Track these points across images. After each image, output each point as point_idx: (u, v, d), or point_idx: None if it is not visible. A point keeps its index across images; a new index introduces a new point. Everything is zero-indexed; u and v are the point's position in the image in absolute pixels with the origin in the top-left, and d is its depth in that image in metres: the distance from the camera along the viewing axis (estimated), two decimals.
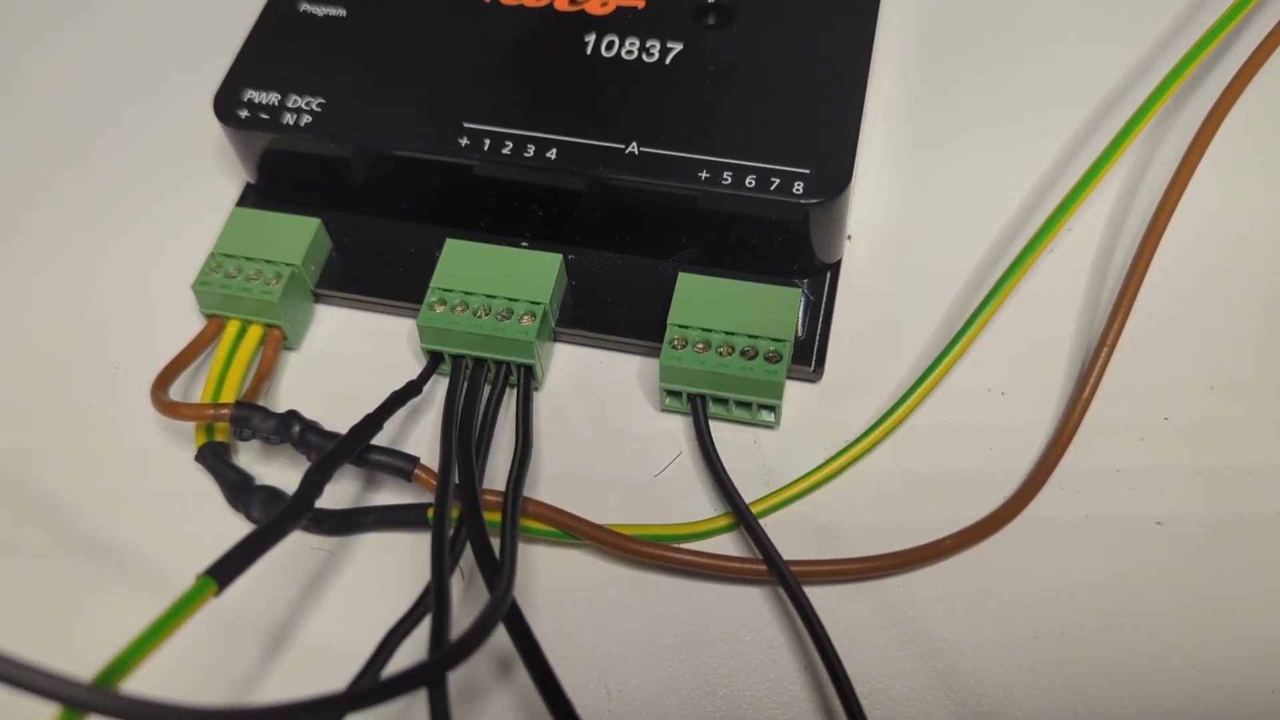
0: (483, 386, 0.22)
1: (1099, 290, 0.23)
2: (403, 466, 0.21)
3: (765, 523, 0.21)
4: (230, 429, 0.21)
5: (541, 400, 0.23)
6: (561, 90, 0.23)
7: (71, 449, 0.23)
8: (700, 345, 0.21)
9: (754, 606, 0.20)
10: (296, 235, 0.23)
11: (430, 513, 0.20)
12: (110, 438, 0.23)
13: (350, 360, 0.23)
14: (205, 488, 0.22)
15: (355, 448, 0.20)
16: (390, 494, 0.22)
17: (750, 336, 0.21)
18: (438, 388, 0.23)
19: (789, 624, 0.20)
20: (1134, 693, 0.19)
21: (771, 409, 0.22)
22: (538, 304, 0.22)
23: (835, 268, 0.23)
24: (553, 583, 0.21)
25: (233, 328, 0.23)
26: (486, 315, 0.22)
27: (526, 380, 0.22)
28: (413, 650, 0.19)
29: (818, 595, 0.20)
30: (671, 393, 0.22)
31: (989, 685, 0.19)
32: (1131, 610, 0.20)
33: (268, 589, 0.21)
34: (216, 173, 0.26)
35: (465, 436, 0.21)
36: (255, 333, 0.23)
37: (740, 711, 0.19)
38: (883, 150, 0.26)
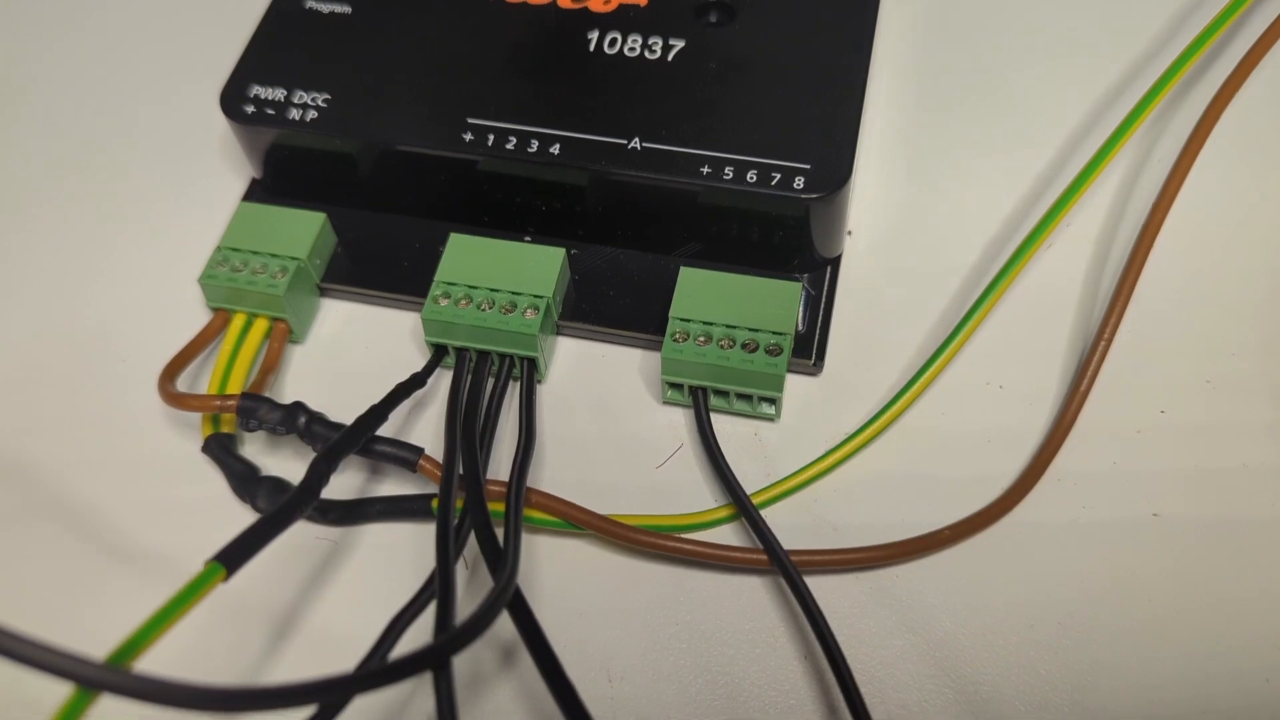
0: (486, 379, 0.22)
1: (1096, 286, 0.24)
2: (407, 457, 0.21)
3: (765, 514, 0.21)
4: (237, 420, 0.21)
5: (544, 393, 0.23)
6: (564, 86, 0.23)
7: (78, 441, 0.23)
8: (702, 338, 0.21)
9: (754, 596, 0.20)
10: (302, 229, 0.23)
11: (434, 503, 0.21)
12: (117, 430, 0.23)
13: (355, 354, 0.24)
14: (212, 478, 0.22)
15: (361, 438, 0.20)
16: (394, 485, 0.22)
17: (751, 330, 0.21)
18: (441, 381, 0.23)
19: (789, 613, 0.20)
20: (1129, 681, 0.19)
21: (772, 402, 0.22)
22: (541, 297, 0.22)
23: (835, 263, 0.24)
24: (556, 572, 0.21)
25: (239, 321, 0.23)
26: (490, 309, 0.22)
27: (530, 373, 0.22)
28: (417, 637, 0.19)
29: (817, 585, 0.20)
30: (673, 385, 0.22)
31: (986, 673, 0.19)
32: (1127, 600, 0.20)
33: (274, 578, 0.21)
34: (222, 168, 0.26)
35: (469, 427, 0.21)
36: (261, 326, 0.23)
37: (740, 699, 0.19)
38: (882, 149, 0.26)
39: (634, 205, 0.23)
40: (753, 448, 0.22)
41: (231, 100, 0.24)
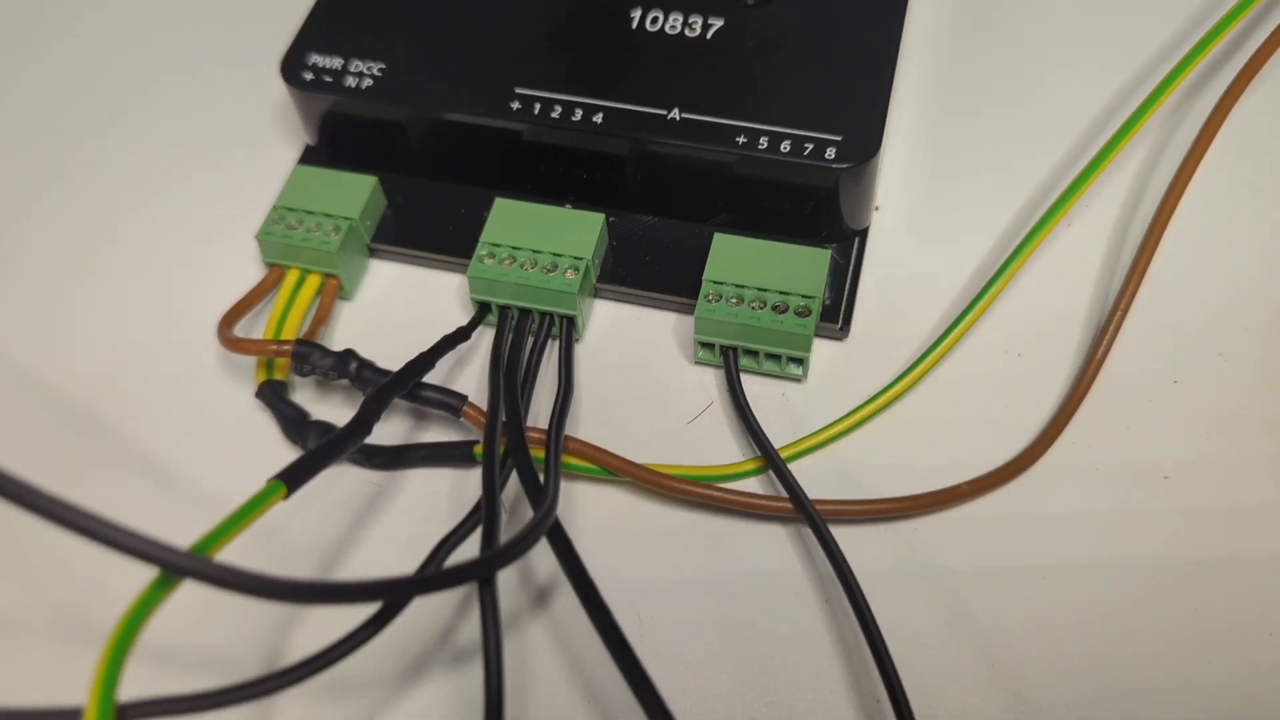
0: (526, 337, 0.23)
1: (1115, 262, 0.24)
2: (452, 403, 0.22)
3: (791, 468, 0.22)
4: (291, 364, 0.22)
5: (581, 352, 0.24)
6: (608, 60, 0.24)
7: (137, 388, 0.24)
8: (734, 300, 0.22)
9: (779, 544, 0.21)
10: (355, 191, 0.25)
11: (477, 449, 0.22)
12: (177, 376, 0.24)
13: (401, 311, 0.25)
14: (264, 424, 0.23)
15: (409, 381, 0.21)
16: (438, 433, 0.23)
17: (782, 293, 0.22)
18: (484, 339, 0.24)
19: (811, 560, 0.21)
20: (1138, 631, 0.20)
21: (800, 362, 0.23)
22: (580, 259, 0.23)
23: (863, 234, 0.25)
24: (592, 517, 0.22)
25: (292, 276, 0.24)
26: (532, 269, 0.23)
27: (568, 331, 0.23)
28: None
29: (840, 535, 0.21)
30: (705, 345, 0.23)
31: (1001, 621, 0.20)
32: (1137, 556, 0.21)
33: (324, 519, 0.22)
34: (278, 135, 0.28)
35: (511, 377, 0.22)
36: (313, 281, 0.24)
37: (764, 642, 0.20)
38: (912, 131, 0.27)
39: (672, 174, 0.24)
40: (780, 407, 0.23)
41: (292, 68, 0.25)
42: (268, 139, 0.28)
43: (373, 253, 0.25)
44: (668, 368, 0.24)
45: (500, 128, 0.24)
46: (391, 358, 0.23)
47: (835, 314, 0.23)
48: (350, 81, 0.25)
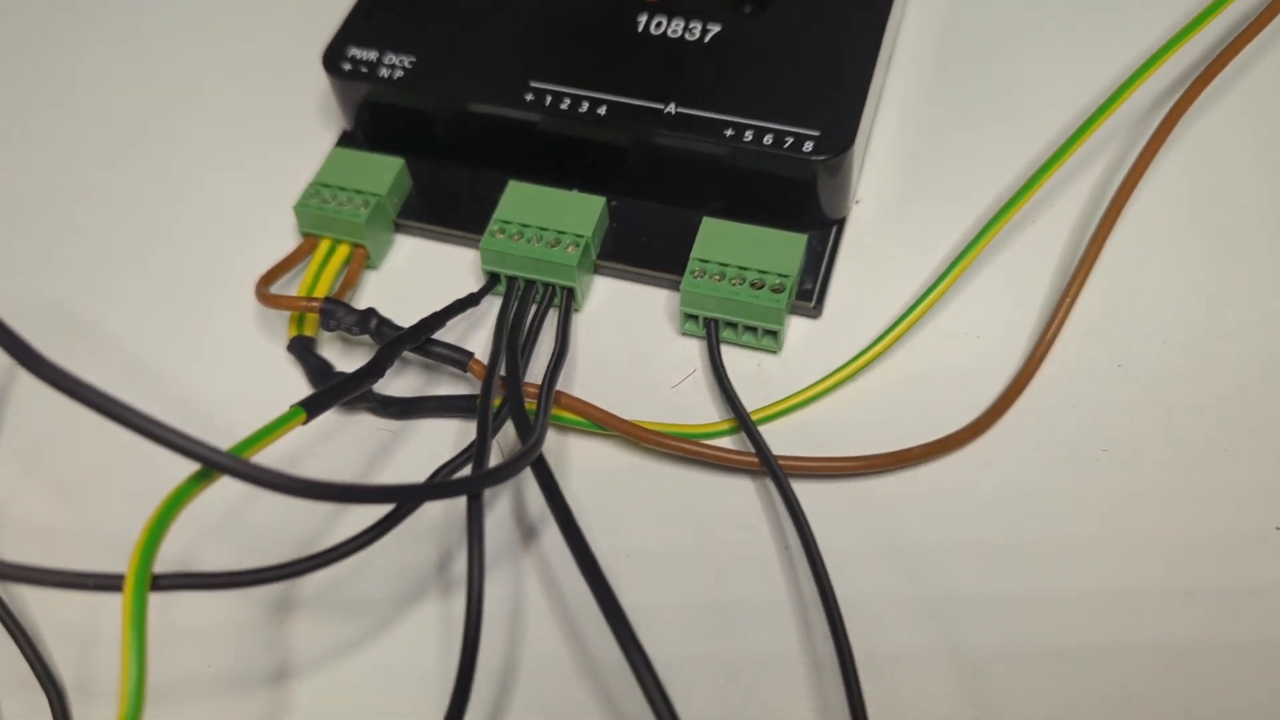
0: (530, 304, 0.26)
1: (1072, 257, 0.27)
2: (459, 358, 0.24)
3: (762, 430, 0.24)
4: (319, 320, 0.25)
5: (580, 321, 0.26)
6: (614, 59, 0.27)
7: (186, 335, 0.27)
8: (716, 276, 0.25)
9: (747, 496, 0.24)
10: (383, 171, 0.27)
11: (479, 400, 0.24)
12: (219, 328, 0.27)
13: (422, 280, 0.27)
14: (293, 375, 0.26)
15: (420, 336, 0.24)
16: (447, 388, 0.26)
17: (760, 271, 0.25)
18: (492, 308, 0.27)
19: (773, 510, 0.23)
20: (1066, 587, 0.22)
21: (774, 334, 0.25)
22: (581, 237, 0.26)
23: (841, 224, 0.27)
24: (580, 467, 0.24)
25: (325, 245, 0.27)
26: (538, 243, 0.26)
27: (568, 301, 0.26)
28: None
29: (802, 490, 0.23)
30: (690, 316, 0.25)
31: (942, 572, 0.22)
32: (1075, 522, 0.23)
33: (344, 460, 0.25)
34: (320, 120, 0.31)
35: (514, 337, 0.24)
36: (343, 251, 0.27)
37: (726, 579, 0.23)
38: (898, 130, 0.29)
39: (667, 162, 0.26)
40: (755, 375, 0.25)
41: (332, 59, 0.28)
42: (311, 123, 0.31)
43: (398, 228, 0.28)
44: (657, 338, 0.26)
45: (515, 117, 0.27)
46: (411, 320, 0.25)
47: (810, 294, 0.26)
48: (384, 73, 0.27)
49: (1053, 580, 0.22)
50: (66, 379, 0.15)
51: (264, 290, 0.25)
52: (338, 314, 0.25)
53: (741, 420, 0.24)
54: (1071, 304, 0.25)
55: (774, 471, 0.23)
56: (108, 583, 0.17)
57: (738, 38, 0.27)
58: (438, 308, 0.25)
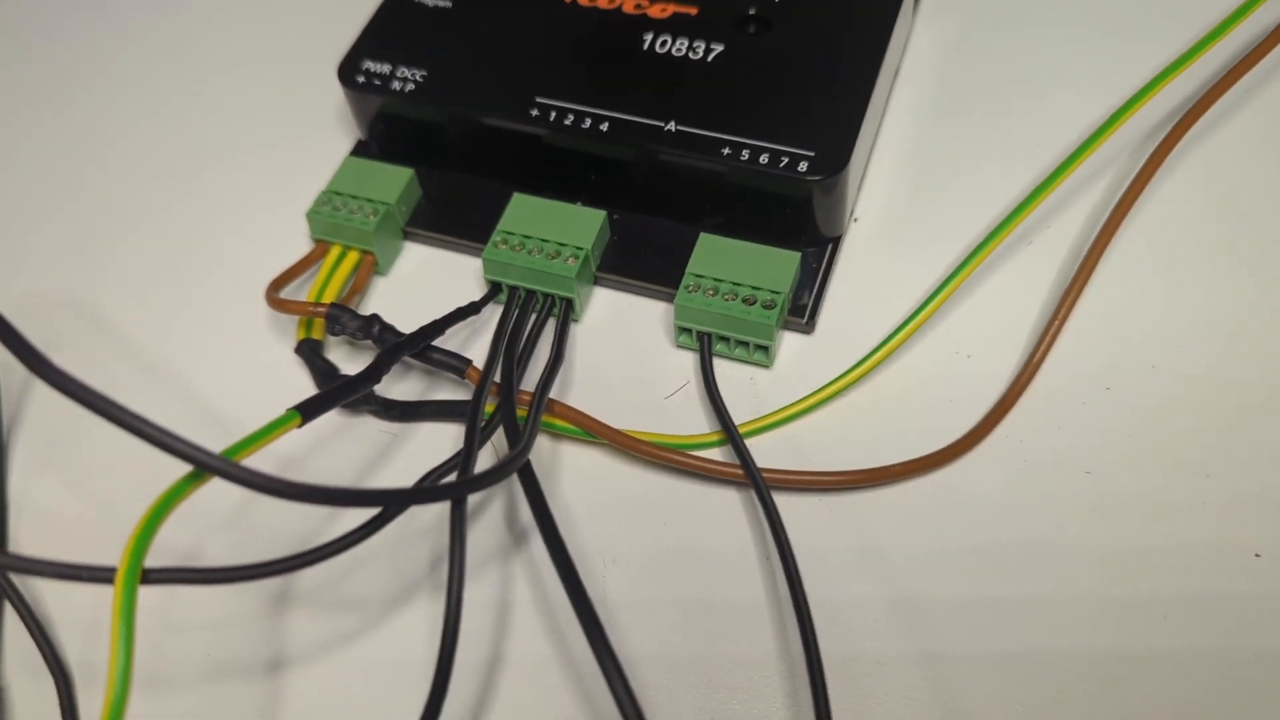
0: (530, 314, 0.26)
1: (1066, 279, 0.27)
2: (458, 365, 0.25)
3: (749, 443, 0.25)
4: (325, 325, 0.26)
5: (578, 332, 0.27)
6: (619, 76, 0.28)
7: (198, 334, 0.28)
8: (710, 291, 0.25)
9: (732, 506, 0.24)
10: (393, 181, 0.28)
11: None
12: (229, 329, 0.28)
13: (427, 287, 0.28)
14: (300, 376, 0.27)
15: (420, 342, 0.25)
16: (446, 394, 0.26)
17: (753, 287, 0.25)
18: (493, 315, 0.27)
19: (757, 521, 0.24)
20: (1046, 604, 0.22)
21: (765, 349, 0.26)
22: (581, 249, 0.26)
23: (836, 242, 0.27)
24: (572, 473, 0.25)
25: (335, 251, 0.28)
26: (539, 254, 0.26)
27: (566, 311, 0.27)
28: None
29: (784, 502, 0.24)
30: (684, 330, 0.26)
31: (920, 586, 0.23)
32: (1055, 540, 0.23)
33: (345, 461, 0.26)
34: (336, 130, 0.32)
35: (511, 346, 0.25)
36: (353, 257, 0.28)
37: (710, 584, 0.23)
38: (897, 152, 0.30)
39: (667, 179, 0.27)
40: (747, 389, 0.26)
41: (347, 72, 0.29)
42: (326, 133, 0.31)
43: (407, 236, 0.29)
44: (653, 350, 0.27)
45: (520, 131, 0.27)
46: (415, 326, 0.26)
47: (804, 310, 0.26)
48: (396, 85, 0.28)
49: (1027, 588, 0.23)
50: (67, 379, 0.16)
51: (274, 295, 0.26)
52: (342, 319, 0.26)
53: (728, 431, 0.24)
54: (1061, 326, 0.25)
55: (757, 483, 0.23)
56: (101, 575, 0.18)
57: (740, 58, 0.28)
58: (441, 314, 0.26)
